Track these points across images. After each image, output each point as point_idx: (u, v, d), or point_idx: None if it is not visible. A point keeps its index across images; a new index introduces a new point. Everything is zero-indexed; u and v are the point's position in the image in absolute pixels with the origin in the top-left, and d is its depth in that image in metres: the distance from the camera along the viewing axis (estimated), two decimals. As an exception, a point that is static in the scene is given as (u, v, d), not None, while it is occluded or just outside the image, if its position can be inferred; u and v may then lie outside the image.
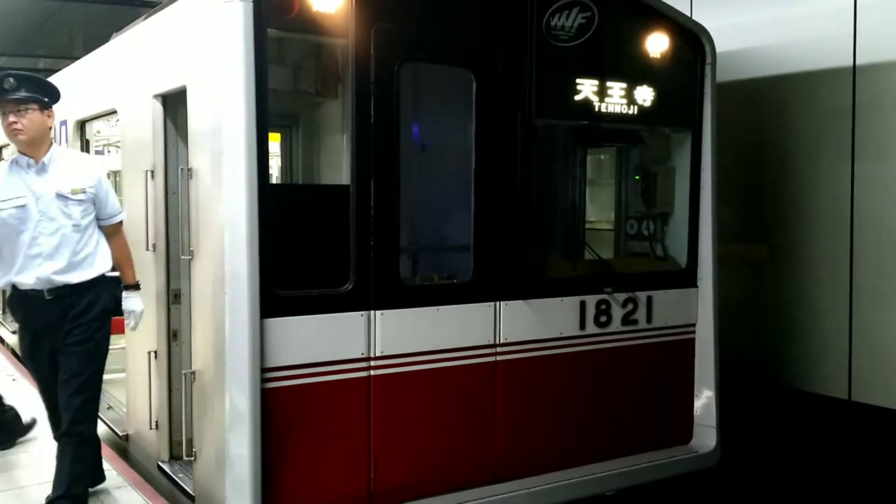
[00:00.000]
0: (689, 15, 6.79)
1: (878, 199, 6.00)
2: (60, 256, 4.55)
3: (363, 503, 4.67)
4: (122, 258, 4.91)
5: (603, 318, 5.51)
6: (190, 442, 4.81)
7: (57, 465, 4.60)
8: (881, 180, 5.98)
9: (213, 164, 4.38)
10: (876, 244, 6.02)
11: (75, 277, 4.60)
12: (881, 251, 5.99)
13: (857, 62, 6.09)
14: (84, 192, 4.63)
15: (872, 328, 6.06)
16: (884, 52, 5.94)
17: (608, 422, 5.60)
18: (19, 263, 4.55)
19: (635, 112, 5.66)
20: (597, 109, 5.49)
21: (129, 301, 4.89)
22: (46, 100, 4.61)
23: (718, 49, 5.93)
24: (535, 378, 5.24)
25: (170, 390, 5.33)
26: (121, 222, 4.90)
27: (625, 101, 5.60)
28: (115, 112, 6.21)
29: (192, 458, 4.76)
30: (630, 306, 5.64)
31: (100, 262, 4.74)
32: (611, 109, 5.54)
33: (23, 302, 4.67)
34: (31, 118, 4.53)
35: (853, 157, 6.13)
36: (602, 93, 5.49)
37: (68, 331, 4.59)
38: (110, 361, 4.90)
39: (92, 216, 4.70)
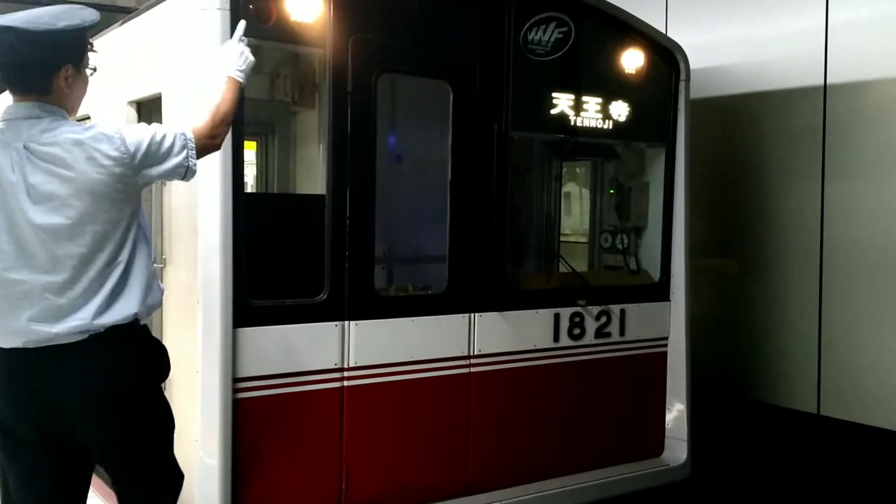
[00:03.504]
0: (665, 32, 6.88)
1: (847, 215, 6.09)
2: None
3: (334, 515, 4.64)
4: None
5: (577, 331, 5.53)
6: (159, 452, 4.73)
7: None
8: (850, 197, 6.08)
9: (187, 171, 4.34)
10: (845, 260, 6.11)
11: None
12: (850, 267, 6.08)
13: (827, 81, 6.19)
14: None
15: (841, 343, 6.13)
16: (854, 72, 6.05)
17: (580, 434, 5.61)
18: None
19: (610, 126, 5.70)
20: (572, 123, 5.53)
21: None
22: None
23: (693, 66, 6.01)
24: (508, 390, 5.24)
25: (139, 400, 5.25)
26: None
27: (600, 115, 5.64)
28: (88, 118, 6.14)
29: (162, 469, 4.69)
30: (603, 319, 5.66)
31: None
32: (586, 123, 5.58)
33: None
34: None
35: (823, 175, 6.22)
36: (577, 107, 5.52)
37: None
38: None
39: None
